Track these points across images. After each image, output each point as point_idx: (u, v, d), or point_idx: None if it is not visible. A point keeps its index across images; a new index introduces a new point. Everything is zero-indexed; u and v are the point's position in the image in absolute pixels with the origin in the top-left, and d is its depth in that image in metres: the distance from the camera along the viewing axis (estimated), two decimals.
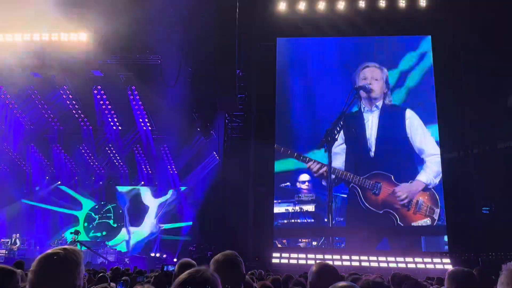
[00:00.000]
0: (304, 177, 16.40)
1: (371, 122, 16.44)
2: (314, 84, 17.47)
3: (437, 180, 15.85)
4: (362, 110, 16.58)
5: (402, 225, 15.56)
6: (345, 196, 16.07)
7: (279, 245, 16.27)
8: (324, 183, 16.17)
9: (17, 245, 17.26)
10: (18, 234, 17.84)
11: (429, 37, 17.33)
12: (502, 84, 15.67)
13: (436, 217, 15.52)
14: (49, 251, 2.07)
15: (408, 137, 16.21)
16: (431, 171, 15.92)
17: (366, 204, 15.73)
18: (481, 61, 15.58)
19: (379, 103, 16.58)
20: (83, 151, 19.89)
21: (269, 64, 17.79)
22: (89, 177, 20.69)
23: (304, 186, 16.37)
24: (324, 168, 15.89)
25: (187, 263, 3.35)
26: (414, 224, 15.61)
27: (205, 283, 1.90)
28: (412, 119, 16.35)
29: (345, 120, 16.04)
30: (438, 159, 16.03)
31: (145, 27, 15.82)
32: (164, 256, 17.87)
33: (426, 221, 15.54)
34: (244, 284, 2.78)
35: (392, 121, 16.46)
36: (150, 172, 20.39)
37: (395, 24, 17.13)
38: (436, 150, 16.12)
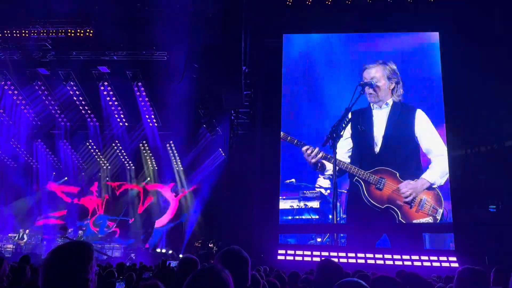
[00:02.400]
0: (322, 181, 16.21)
1: (380, 119, 16.27)
2: (321, 80, 17.35)
3: (442, 181, 15.67)
4: (372, 107, 16.42)
5: (403, 222, 15.42)
6: (348, 191, 15.88)
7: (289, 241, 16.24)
8: (323, 173, 15.98)
9: (24, 240, 17.41)
10: (27, 230, 18.01)
11: (437, 33, 17.19)
12: (510, 81, 15.50)
13: (438, 217, 15.35)
14: (62, 244, 2.08)
15: (416, 136, 16.01)
16: (437, 171, 15.73)
17: (369, 199, 15.57)
18: (489, 58, 15.42)
19: (389, 100, 16.38)
20: (89, 147, 20.00)
21: (276, 61, 17.69)
22: (95, 173, 20.81)
23: (325, 185, 16.17)
24: (320, 154, 15.63)
25: (188, 259, 3.33)
26: (415, 221, 15.45)
27: (218, 281, 1.89)
28: (422, 119, 16.14)
29: (353, 116, 15.88)
30: (445, 160, 15.86)
31: (151, 23, 15.81)
32: (170, 252, 17.93)
33: (428, 220, 15.38)
34: (252, 280, 2.77)
35: (401, 119, 16.25)
36: (156, 168, 20.47)
37: (403, 20, 16.99)
38: (444, 151, 15.94)
